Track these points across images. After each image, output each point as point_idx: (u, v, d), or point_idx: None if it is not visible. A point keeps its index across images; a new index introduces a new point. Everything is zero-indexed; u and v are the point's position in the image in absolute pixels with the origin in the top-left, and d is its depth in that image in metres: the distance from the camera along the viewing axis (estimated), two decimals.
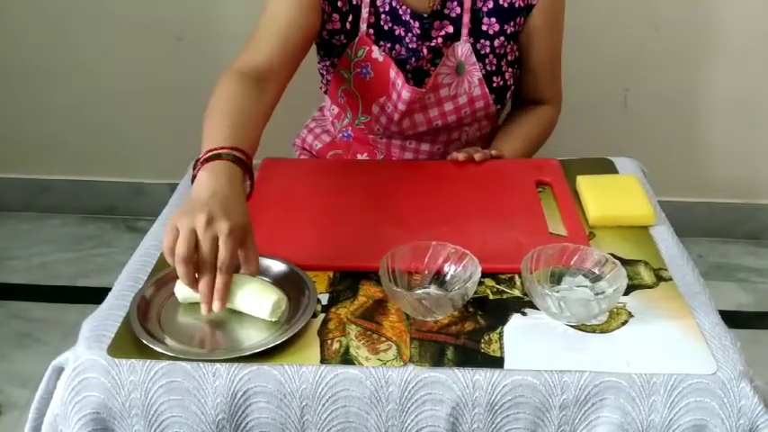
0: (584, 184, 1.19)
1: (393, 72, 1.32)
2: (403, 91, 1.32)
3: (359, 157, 1.45)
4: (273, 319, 0.92)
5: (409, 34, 1.32)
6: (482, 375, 0.86)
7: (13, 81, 2.25)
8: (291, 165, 1.34)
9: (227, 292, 0.90)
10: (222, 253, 0.88)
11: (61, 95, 2.26)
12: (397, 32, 1.33)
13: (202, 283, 0.89)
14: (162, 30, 2.14)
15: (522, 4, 1.34)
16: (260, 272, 0.97)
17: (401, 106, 1.33)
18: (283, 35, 1.23)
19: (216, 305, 0.89)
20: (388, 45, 1.33)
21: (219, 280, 0.89)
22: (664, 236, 1.10)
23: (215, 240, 0.88)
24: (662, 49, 2.07)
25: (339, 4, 1.30)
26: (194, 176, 0.95)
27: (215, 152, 0.97)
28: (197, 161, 0.97)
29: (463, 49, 1.33)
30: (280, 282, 0.99)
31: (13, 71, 2.24)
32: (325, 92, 1.46)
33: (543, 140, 1.49)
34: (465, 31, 1.32)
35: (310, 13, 1.27)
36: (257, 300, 0.92)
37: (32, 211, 2.41)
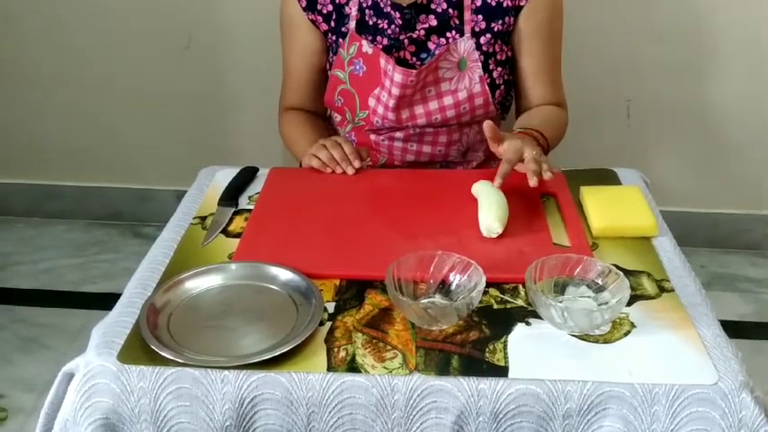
0: (588, 194, 1.20)
1: (383, 60, 1.37)
2: (395, 74, 1.36)
3: None
4: (485, 235, 1.11)
5: (392, 26, 1.38)
6: (486, 384, 0.87)
7: (20, 87, 2.26)
8: (298, 174, 1.35)
9: (355, 156, 1.32)
10: (342, 141, 1.34)
11: (69, 101, 2.27)
12: (380, 25, 1.39)
13: (337, 154, 1.32)
14: (169, 38, 2.15)
15: (510, 5, 1.38)
16: (267, 280, 1.02)
17: (395, 90, 1.37)
18: (305, 81, 1.51)
19: (349, 169, 1.31)
20: (370, 38, 1.39)
21: (347, 148, 1.32)
22: (666, 247, 1.12)
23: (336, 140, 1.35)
24: (664, 60, 2.08)
25: (319, 6, 1.42)
26: (301, 164, 1.41)
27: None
28: (301, 161, 1.41)
29: (466, 45, 1.38)
30: (287, 290, 1.00)
31: (19, 77, 2.25)
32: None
33: (560, 130, 1.47)
34: (468, 28, 1.38)
35: (312, 40, 1.45)
36: (483, 215, 1.12)
37: (38, 216, 2.42)
